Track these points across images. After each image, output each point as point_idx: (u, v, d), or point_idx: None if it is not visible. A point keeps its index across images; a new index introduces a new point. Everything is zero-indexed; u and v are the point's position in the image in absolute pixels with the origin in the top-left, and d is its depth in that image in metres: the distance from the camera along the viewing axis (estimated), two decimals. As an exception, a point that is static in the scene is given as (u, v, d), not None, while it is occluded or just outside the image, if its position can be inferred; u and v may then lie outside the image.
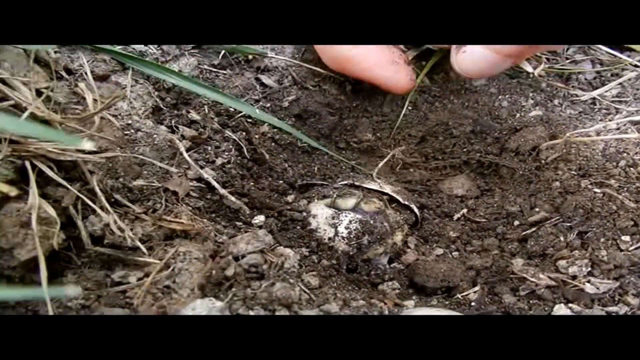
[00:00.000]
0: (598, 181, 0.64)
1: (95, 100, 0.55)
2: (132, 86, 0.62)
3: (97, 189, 0.50)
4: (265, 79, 0.72)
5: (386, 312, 0.45)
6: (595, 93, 0.78)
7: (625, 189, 0.62)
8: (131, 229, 0.50)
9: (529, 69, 0.79)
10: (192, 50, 0.71)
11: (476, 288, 0.57)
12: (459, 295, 0.57)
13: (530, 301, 0.55)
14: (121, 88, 0.61)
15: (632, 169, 0.65)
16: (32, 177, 0.46)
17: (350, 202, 0.63)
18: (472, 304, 0.55)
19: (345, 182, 0.69)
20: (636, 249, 0.57)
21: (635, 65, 0.81)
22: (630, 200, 0.60)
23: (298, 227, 0.62)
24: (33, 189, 0.45)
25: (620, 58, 0.81)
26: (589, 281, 0.55)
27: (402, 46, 0.75)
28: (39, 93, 0.52)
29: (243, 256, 0.48)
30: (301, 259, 0.55)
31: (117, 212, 0.51)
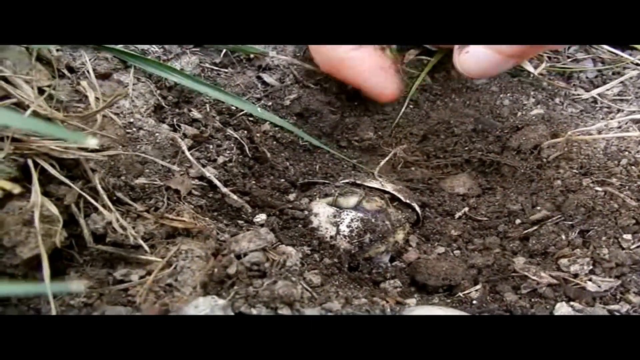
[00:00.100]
0: (599, 179, 0.64)
1: (97, 98, 0.55)
2: (134, 84, 0.62)
3: (99, 187, 0.50)
4: (266, 77, 0.72)
5: (388, 311, 0.45)
6: (596, 91, 0.78)
7: (627, 187, 0.62)
8: (133, 227, 0.50)
9: (530, 68, 0.79)
10: (193, 49, 0.71)
11: (478, 286, 0.57)
12: (460, 294, 0.57)
13: (532, 299, 0.55)
14: (123, 86, 0.61)
15: (633, 167, 0.65)
16: (35, 175, 0.46)
17: (351, 200, 0.63)
18: (474, 302, 0.55)
19: (346, 180, 0.69)
20: (638, 247, 0.57)
21: (637, 64, 0.81)
22: (631, 198, 0.60)
23: (300, 226, 0.62)
24: (35, 187, 0.45)
25: (622, 56, 0.81)
26: (590, 279, 0.55)
27: (395, 47, 0.75)
28: (41, 91, 0.52)
29: (245, 254, 0.48)
30: (303, 258, 0.55)
31: (119, 210, 0.51)
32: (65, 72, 0.58)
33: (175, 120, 0.64)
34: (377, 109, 0.78)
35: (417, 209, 0.67)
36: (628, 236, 0.58)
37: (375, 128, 0.78)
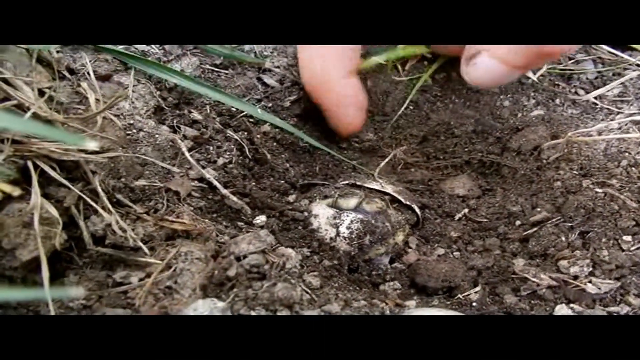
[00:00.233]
0: (600, 181, 0.64)
1: (97, 100, 0.56)
2: (134, 86, 0.62)
3: (99, 189, 0.50)
4: (267, 78, 0.72)
5: (387, 313, 0.45)
6: (596, 93, 0.78)
7: (627, 188, 0.62)
8: (133, 229, 0.50)
9: (531, 69, 0.79)
10: (194, 50, 0.71)
11: (477, 288, 0.57)
12: (460, 296, 0.57)
13: (532, 301, 0.54)
14: (123, 88, 0.61)
15: (633, 168, 0.65)
16: (35, 177, 0.46)
17: (351, 202, 0.63)
18: (474, 304, 0.55)
19: (346, 182, 0.69)
20: (638, 249, 0.57)
21: (637, 65, 0.81)
22: (632, 200, 0.60)
23: (299, 227, 0.62)
24: (35, 189, 0.45)
25: (622, 57, 0.81)
26: (590, 281, 0.54)
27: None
28: (41, 93, 0.52)
29: (245, 256, 0.48)
30: (303, 259, 0.55)
31: (119, 212, 0.51)
32: (66, 73, 0.58)
33: (175, 121, 0.64)
34: (377, 110, 0.78)
35: (417, 210, 0.67)
36: (628, 238, 0.58)
37: (375, 129, 0.78)
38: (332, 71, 0.65)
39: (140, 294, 0.45)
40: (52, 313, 0.42)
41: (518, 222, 0.66)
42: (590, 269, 0.56)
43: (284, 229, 0.61)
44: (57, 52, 0.59)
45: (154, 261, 0.48)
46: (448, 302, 0.56)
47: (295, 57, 0.74)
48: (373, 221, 0.62)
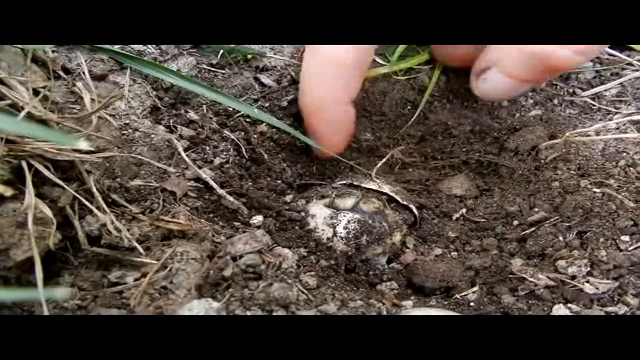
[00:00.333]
0: (597, 181, 0.64)
1: (92, 99, 0.55)
2: (130, 86, 0.62)
3: (94, 189, 0.50)
4: (264, 78, 0.72)
5: (384, 313, 0.45)
6: (594, 92, 0.78)
7: (625, 188, 0.62)
8: (128, 229, 0.50)
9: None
10: (190, 50, 0.71)
11: (475, 288, 0.57)
12: (457, 296, 0.57)
13: (529, 301, 0.54)
14: (119, 88, 0.61)
15: (631, 168, 0.65)
16: (29, 177, 0.46)
17: (349, 202, 0.63)
18: (471, 304, 0.55)
19: (343, 182, 0.68)
20: (635, 249, 0.56)
21: (635, 65, 0.81)
22: (629, 200, 0.60)
23: (296, 227, 0.62)
24: (29, 189, 0.45)
25: (620, 57, 0.81)
26: (588, 281, 0.54)
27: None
28: (36, 92, 0.52)
29: (241, 256, 0.48)
30: (299, 259, 0.54)
31: (114, 212, 0.51)
32: (61, 73, 0.57)
33: (171, 121, 0.64)
34: (374, 110, 0.78)
35: (415, 210, 0.67)
36: (626, 238, 0.57)
37: (373, 129, 0.78)
38: (332, 98, 0.64)
39: (135, 294, 0.44)
40: (46, 313, 0.42)
41: (516, 222, 0.66)
42: (588, 269, 0.56)
43: (280, 229, 0.61)
44: (52, 51, 0.59)
45: (150, 261, 0.48)
46: (445, 302, 0.56)
47: (292, 57, 0.74)
48: (370, 221, 0.61)
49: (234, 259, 0.48)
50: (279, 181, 0.69)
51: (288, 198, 0.67)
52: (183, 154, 0.60)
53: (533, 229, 0.63)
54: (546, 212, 0.63)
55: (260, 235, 0.51)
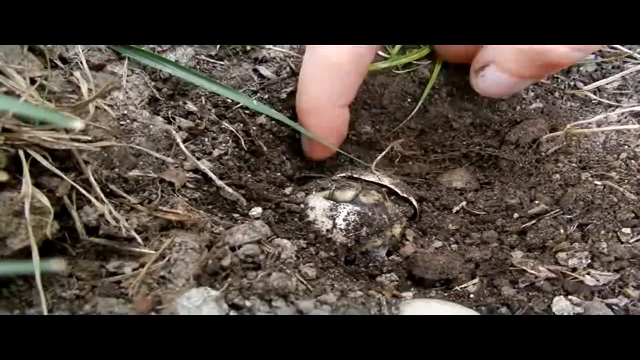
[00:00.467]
0: (598, 173, 0.63)
1: (90, 89, 0.55)
2: (128, 76, 0.62)
3: (92, 179, 0.49)
4: (263, 70, 0.72)
5: (384, 303, 0.45)
6: (596, 85, 0.77)
7: (626, 181, 0.62)
8: (126, 220, 0.50)
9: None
10: (189, 41, 0.71)
11: (475, 280, 0.57)
12: (457, 287, 0.56)
13: (530, 293, 0.54)
14: (117, 78, 0.61)
15: (632, 161, 0.64)
16: (26, 166, 0.45)
17: (348, 194, 0.63)
18: (471, 295, 0.54)
19: (343, 174, 0.68)
20: (636, 241, 0.56)
21: (636, 58, 0.80)
22: (630, 192, 0.60)
23: (296, 219, 0.61)
24: (26, 178, 0.45)
25: (622, 50, 0.81)
26: (589, 273, 0.54)
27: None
28: (32, 81, 0.51)
29: (239, 246, 0.48)
30: (298, 251, 0.54)
31: (112, 203, 0.50)
32: (58, 62, 0.57)
33: (170, 112, 0.64)
34: (374, 103, 0.77)
35: (415, 203, 0.67)
36: (627, 230, 0.57)
37: (373, 122, 0.77)
38: (328, 101, 0.64)
39: (133, 284, 0.44)
40: (43, 300, 0.41)
41: (516, 215, 0.65)
42: (589, 261, 0.55)
43: (279, 221, 0.61)
44: (50, 41, 0.59)
45: (148, 251, 0.48)
46: (445, 294, 0.55)
47: (291, 48, 0.74)
48: (370, 213, 0.61)
49: (233, 249, 0.48)
50: (278, 174, 0.69)
51: (287, 190, 0.67)
52: (182, 145, 0.59)
53: (533, 221, 0.62)
54: (547, 205, 0.63)
55: (259, 226, 0.50)
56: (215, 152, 0.64)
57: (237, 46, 0.72)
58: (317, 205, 0.62)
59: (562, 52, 0.56)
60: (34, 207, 0.45)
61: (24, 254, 0.44)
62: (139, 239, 0.49)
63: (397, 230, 0.63)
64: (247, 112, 0.69)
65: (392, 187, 0.66)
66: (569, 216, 0.61)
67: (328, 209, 0.61)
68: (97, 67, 0.59)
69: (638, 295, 0.52)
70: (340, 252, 0.59)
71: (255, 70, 0.72)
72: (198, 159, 0.61)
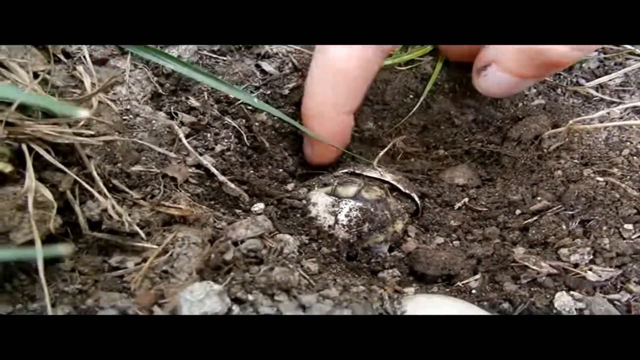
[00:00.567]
0: (601, 170, 0.63)
1: (93, 84, 0.55)
2: (131, 71, 0.62)
3: (94, 174, 0.50)
4: (265, 65, 0.72)
5: (386, 298, 0.45)
6: (598, 82, 0.77)
7: (628, 177, 0.62)
8: (129, 215, 0.50)
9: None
10: (191, 37, 0.70)
11: (477, 276, 0.57)
12: (459, 283, 0.56)
13: (532, 289, 0.54)
14: (120, 72, 0.61)
15: (635, 157, 0.64)
16: (29, 160, 0.45)
17: (350, 190, 0.63)
18: (473, 291, 0.54)
19: (345, 170, 0.68)
20: (638, 237, 0.56)
21: (639, 55, 0.80)
22: (633, 188, 0.60)
23: (298, 215, 0.61)
24: (29, 172, 0.45)
25: (624, 47, 0.81)
26: (591, 269, 0.54)
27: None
28: (36, 76, 0.51)
29: (242, 241, 0.48)
30: (301, 247, 0.54)
31: (115, 198, 0.50)
32: (61, 57, 0.57)
33: (172, 108, 0.64)
34: (377, 99, 0.77)
35: (417, 199, 0.67)
36: (629, 226, 0.57)
37: (375, 118, 0.77)
38: (335, 107, 0.64)
39: (136, 278, 0.44)
40: (47, 294, 0.41)
41: (518, 211, 0.65)
42: (591, 256, 0.55)
43: (282, 217, 0.61)
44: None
45: (151, 246, 0.48)
46: (447, 290, 0.56)
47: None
48: (372, 209, 0.61)
49: (235, 243, 0.48)
50: (281, 170, 0.69)
51: (290, 186, 0.67)
52: (184, 141, 0.60)
53: (535, 217, 0.62)
54: (549, 201, 0.63)
55: (261, 221, 0.50)
56: (218, 148, 0.64)
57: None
58: (320, 201, 0.62)
59: (561, 52, 0.56)
60: (37, 202, 0.45)
61: (27, 248, 0.44)
62: (142, 234, 0.49)
63: (399, 226, 0.63)
64: (249, 108, 0.69)
65: (395, 183, 0.66)
66: (571, 212, 0.60)
67: (330, 205, 0.61)
68: (100, 62, 0.60)
69: (640, 291, 0.52)
70: (342, 247, 0.59)
71: (257, 66, 0.72)
72: (200, 154, 0.61)
